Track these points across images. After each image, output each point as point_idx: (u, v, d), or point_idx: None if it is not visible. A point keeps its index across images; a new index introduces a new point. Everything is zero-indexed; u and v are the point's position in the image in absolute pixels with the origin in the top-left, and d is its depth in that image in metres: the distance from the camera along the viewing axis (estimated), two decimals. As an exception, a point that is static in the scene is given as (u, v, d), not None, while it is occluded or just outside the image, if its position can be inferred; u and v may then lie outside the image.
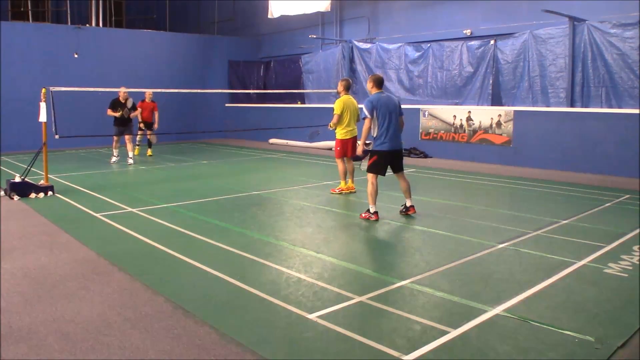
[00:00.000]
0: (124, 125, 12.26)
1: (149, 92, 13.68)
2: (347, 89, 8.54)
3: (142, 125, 13.67)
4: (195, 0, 22.96)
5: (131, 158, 12.37)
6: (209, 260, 4.96)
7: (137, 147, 14.07)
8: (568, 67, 11.63)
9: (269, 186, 9.32)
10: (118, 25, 21.76)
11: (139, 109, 13.04)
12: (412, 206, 6.92)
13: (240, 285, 4.32)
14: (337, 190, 8.58)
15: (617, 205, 7.83)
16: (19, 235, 5.96)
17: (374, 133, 6.63)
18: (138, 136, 13.98)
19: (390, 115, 6.58)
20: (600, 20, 11.18)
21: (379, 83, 6.76)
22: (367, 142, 6.78)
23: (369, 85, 6.81)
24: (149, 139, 14.16)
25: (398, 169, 6.84)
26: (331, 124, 8.48)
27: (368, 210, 6.74)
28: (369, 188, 6.68)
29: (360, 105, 7.72)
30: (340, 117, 8.33)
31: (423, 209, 7.30)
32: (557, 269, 4.77)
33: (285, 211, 7.32)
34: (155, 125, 13.85)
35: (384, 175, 6.79)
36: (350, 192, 8.57)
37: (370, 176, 6.75)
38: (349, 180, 8.69)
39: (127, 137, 12.36)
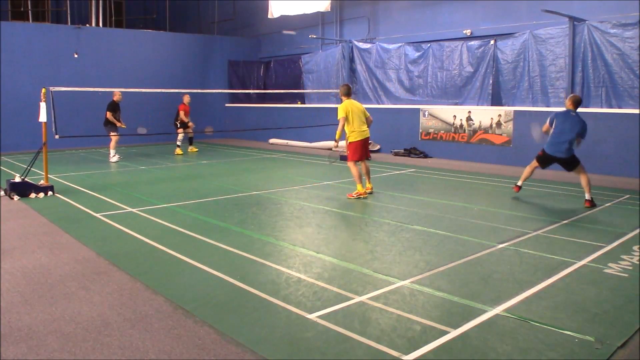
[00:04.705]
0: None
1: (187, 96, 14.69)
2: (348, 94, 8.25)
3: (178, 123, 14.68)
4: (195, 0, 22.95)
5: (114, 156, 13.05)
6: (209, 260, 4.97)
7: (178, 147, 14.88)
8: (568, 67, 11.62)
9: (269, 186, 9.32)
10: (118, 25, 21.75)
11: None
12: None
13: (240, 285, 4.33)
14: (355, 195, 8.08)
15: (617, 205, 7.83)
16: (19, 235, 5.96)
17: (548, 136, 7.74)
18: (180, 135, 14.81)
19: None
20: (600, 20, 11.17)
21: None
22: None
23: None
24: (190, 137, 15.32)
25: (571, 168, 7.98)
26: (337, 133, 8.02)
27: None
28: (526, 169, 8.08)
29: (366, 106, 7.57)
30: (347, 120, 8.01)
31: (423, 209, 7.31)
32: (557, 269, 4.78)
33: (285, 211, 7.32)
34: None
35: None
36: (369, 194, 8.23)
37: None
38: (366, 182, 8.38)
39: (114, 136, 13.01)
